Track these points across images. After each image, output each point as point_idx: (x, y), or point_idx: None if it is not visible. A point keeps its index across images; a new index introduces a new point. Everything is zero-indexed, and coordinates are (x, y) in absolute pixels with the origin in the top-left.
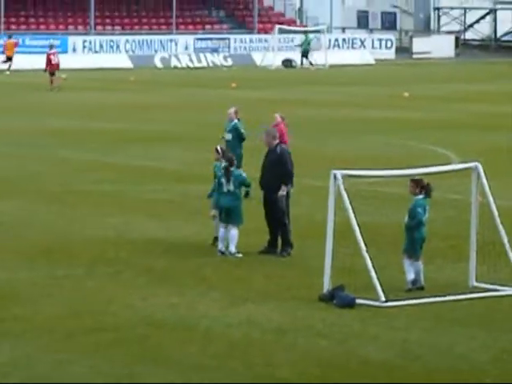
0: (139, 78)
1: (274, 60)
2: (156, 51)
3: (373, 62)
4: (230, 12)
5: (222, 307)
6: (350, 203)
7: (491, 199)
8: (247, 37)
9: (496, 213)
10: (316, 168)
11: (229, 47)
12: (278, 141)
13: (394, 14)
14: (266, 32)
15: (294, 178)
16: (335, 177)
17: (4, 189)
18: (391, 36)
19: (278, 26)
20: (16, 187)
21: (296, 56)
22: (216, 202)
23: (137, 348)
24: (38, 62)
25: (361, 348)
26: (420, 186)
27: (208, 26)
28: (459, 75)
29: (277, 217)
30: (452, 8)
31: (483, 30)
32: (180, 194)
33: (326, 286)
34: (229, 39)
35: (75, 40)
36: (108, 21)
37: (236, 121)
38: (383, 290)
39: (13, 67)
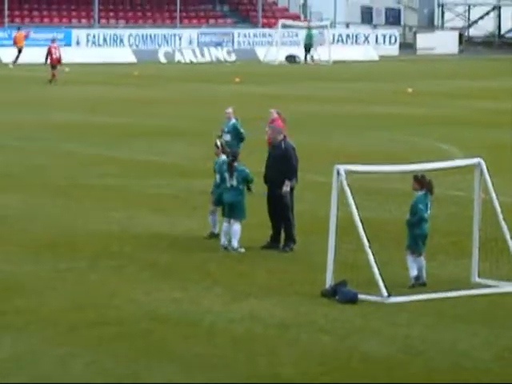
0: (143, 72)
1: (278, 55)
2: (160, 46)
3: (376, 57)
4: (233, 6)
5: (225, 302)
6: (353, 199)
7: (494, 195)
8: (251, 31)
9: (499, 209)
10: (320, 164)
11: (232, 42)
12: (282, 136)
13: (398, 9)
14: (269, 27)
15: (298, 174)
16: (338, 172)
17: (8, 183)
18: (395, 32)
19: (281, 21)
20: (20, 181)
21: (300, 51)
22: (217, 197)
23: (140, 343)
24: (42, 55)
25: (363, 344)
26: (421, 182)
27: (212, 21)
28: (463, 71)
29: (282, 212)
30: (456, 4)
31: (487, 26)
32: (184, 188)
33: (329, 281)
34: (232, 34)
35: (79, 33)
36: (112, 14)
37: (234, 120)
38: (385, 286)
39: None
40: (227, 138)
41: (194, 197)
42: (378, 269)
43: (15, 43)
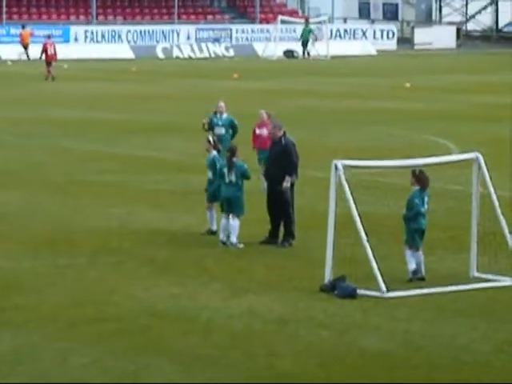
0: (141, 68)
1: (276, 50)
2: (158, 41)
3: (374, 52)
4: (231, 2)
5: (223, 298)
6: (352, 193)
7: (492, 190)
8: (249, 27)
9: (497, 203)
10: (318, 159)
11: (230, 37)
12: (282, 132)
13: (396, 4)
14: (267, 22)
15: (298, 169)
16: (336, 167)
17: (7, 179)
18: (393, 27)
19: (280, 17)
20: (19, 178)
21: (298, 47)
22: (211, 193)
23: (139, 338)
24: (40, 51)
25: (362, 339)
26: (418, 177)
27: (210, 16)
28: (461, 66)
29: (282, 208)
30: None
31: (485, 20)
32: (182, 184)
33: (328, 276)
34: (230, 29)
35: (77, 30)
36: (110, 11)
37: (226, 115)
38: (384, 281)
39: (15, 57)
40: (221, 131)
41: (192, 192)
42: (377, 263)
43: (21, 41)
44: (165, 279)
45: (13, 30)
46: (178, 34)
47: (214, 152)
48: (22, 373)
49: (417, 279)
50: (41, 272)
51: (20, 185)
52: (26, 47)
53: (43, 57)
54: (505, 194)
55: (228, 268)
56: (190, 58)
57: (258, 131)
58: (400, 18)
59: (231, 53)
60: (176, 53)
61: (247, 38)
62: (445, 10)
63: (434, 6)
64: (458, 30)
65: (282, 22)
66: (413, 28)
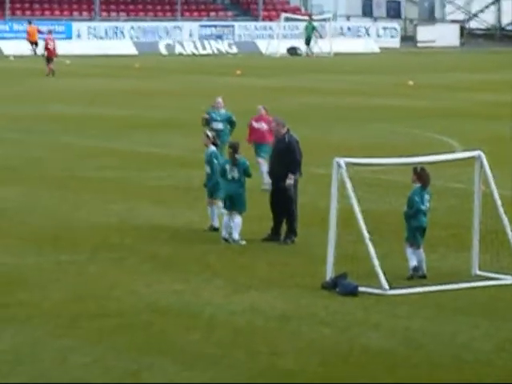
0: (144, 64)
1: (279, 48)
2: (161, 38)
3: (377, 50)
4: None
5: (225, 294)
6: (354, 191)
7: (494, 188)
8: (252, 24)
9: (499, 202)
10: (321, 156)
11: (233, 34)
12: (286, 129)
13: (399, 2)
14: (270, 19)
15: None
16: (338, 164)
17: (7, 175)
18: (396, 24)
19: (284, 15)
20: (19, 174)
21: (301, 44)
22: (210, 189)
23: (141, 334)
24: (42, 47)
25: (363, 336)
26: (419, 175)
27: (213, 13)
28: (464, 64)
29: (286, 205)
30: None
31: (488, 19)
32: (184, 180)
33: (329, 273)
34: (233, 26)
35: (80, 26)
36: (113, 7)
37: (224, 110)
38: (386, 278)
39: (17, 53)
40: (219, 126)
41: (194, 188)
42: (379, 261)
43: (28, 37)
44: (167, 275)
45: (16, 26)
46: (181, 31)
47: (213, 147)
48: (22, 373)
49: (417, 276)
50: (44, 268)
51: (20, 181)
52: (35, 43)
53: (46, 53)
54: (507, 193)
55: (230, 264)
56: (193, 54)
57: (255, 125)
58: (403, 15)
59: (234, 50)
60: (179, 49)
61: (250, 35)
62: (448, 8)
63: (437, 4)
64: (461, 28)
65: (287, 19)
66: (416, 26)
